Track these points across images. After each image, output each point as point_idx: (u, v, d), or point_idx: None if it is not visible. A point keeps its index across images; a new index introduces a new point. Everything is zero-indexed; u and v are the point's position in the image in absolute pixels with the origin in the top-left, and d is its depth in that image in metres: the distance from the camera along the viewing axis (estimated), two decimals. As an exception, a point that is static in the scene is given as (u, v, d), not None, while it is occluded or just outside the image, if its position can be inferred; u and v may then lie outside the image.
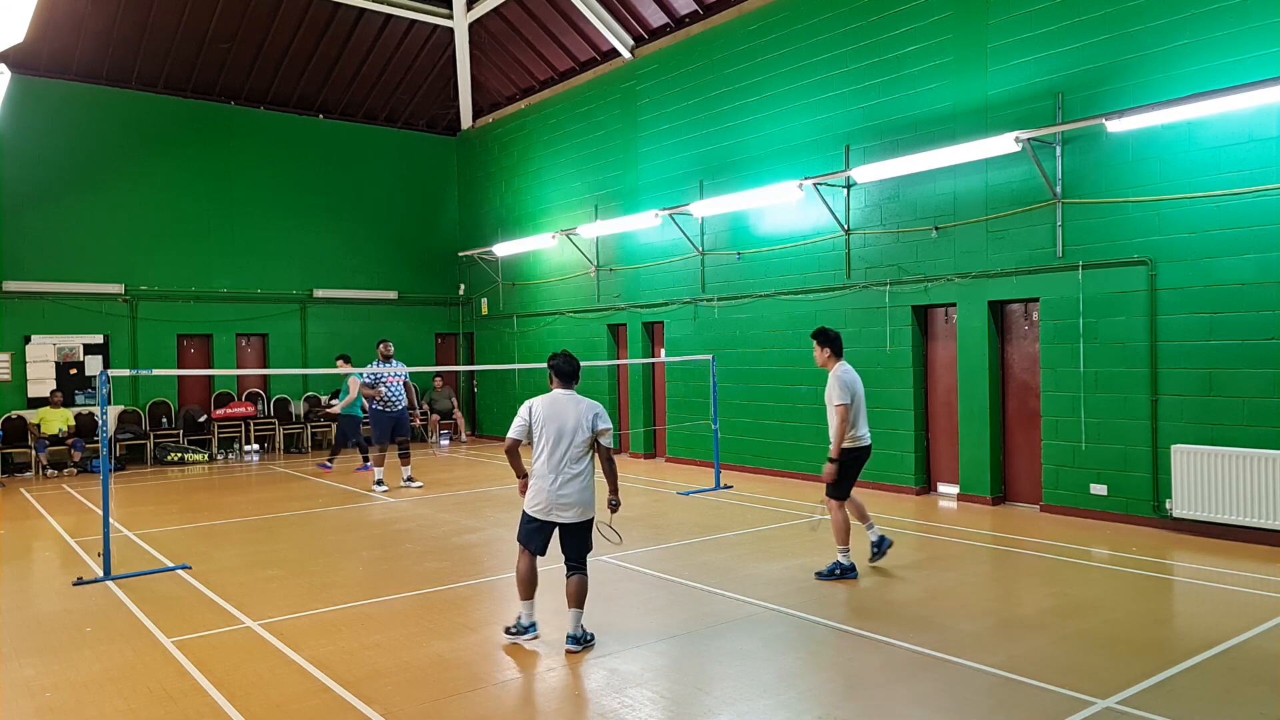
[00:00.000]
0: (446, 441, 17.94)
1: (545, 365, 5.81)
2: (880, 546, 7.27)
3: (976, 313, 9.96)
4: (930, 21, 10.24)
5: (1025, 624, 5.79)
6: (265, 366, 17.13)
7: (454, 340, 19.87)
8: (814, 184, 10.99)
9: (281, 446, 16.67)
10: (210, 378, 16.68)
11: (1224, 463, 7.90)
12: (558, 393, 5.58)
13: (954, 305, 10.28)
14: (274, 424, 16.70)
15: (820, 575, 6.97)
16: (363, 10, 16.46)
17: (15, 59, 14.26)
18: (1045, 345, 9.33)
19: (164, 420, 15.96)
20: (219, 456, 16.05)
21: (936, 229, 10.22)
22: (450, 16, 17.37)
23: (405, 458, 12.12)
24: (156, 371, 8.86)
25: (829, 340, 7.15)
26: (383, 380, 11.82)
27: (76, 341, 15.34)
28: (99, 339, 15.51)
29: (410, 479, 12.02)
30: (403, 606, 6.48)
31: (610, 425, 5.55)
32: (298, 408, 17.32)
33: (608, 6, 14.60)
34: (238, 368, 16.89)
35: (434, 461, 15.02)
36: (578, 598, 5.44)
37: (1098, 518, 8.86)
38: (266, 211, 17.28)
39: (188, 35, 15.58)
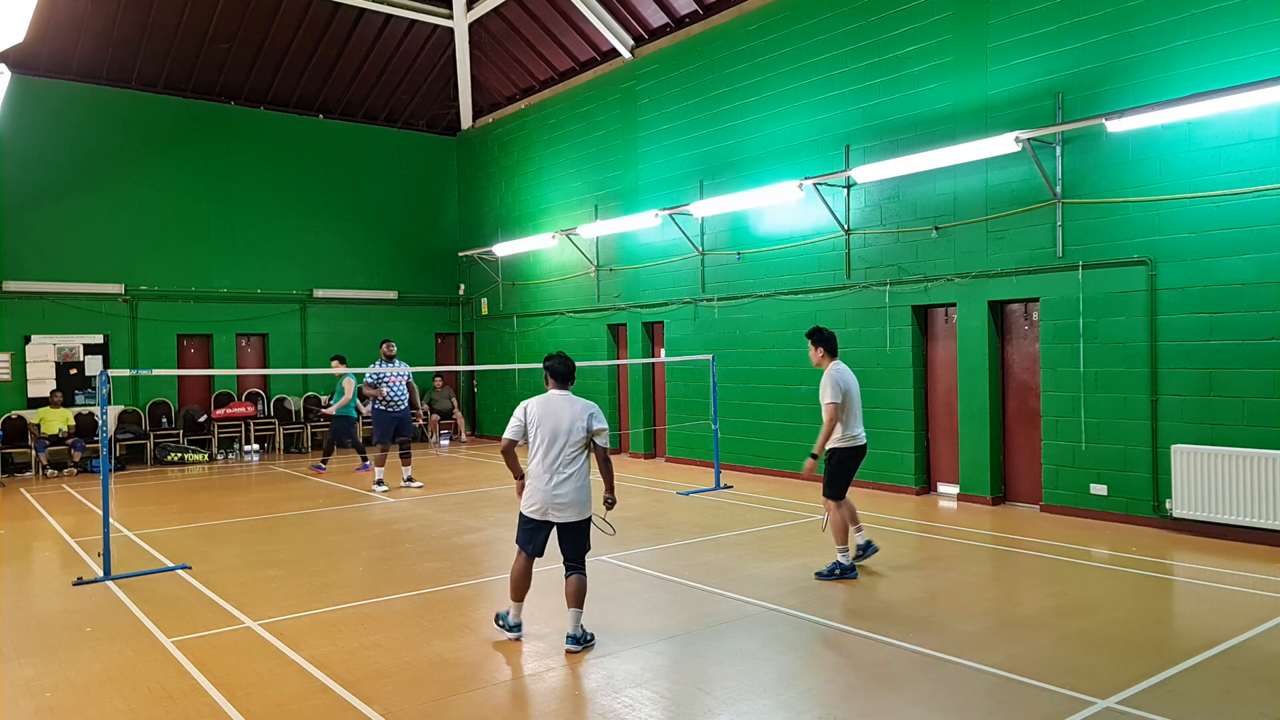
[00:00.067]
0: (446, 441, 17.94)
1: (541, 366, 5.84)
2: (865, 551, 7.29)
3: (976, 313, 9.96)
4: (930, 21, 10.24)
5: (1025, 624, 5.78)
6: (265, 366, 17.13)
7: (454, 340, 19.87)
8: (814, 184, 11.00)
9: (281, 446, 16.67)
10: (210, 378, 16.68)
11: (1224, 463, 7.90)
12: (553, 393, 5.60)
13: (954, 305, 10.28)
14: (274, 424, 16.71)
15: (820, 575, 6.97)
16: (363, 10, 16.46)
17: (15, 59, 14.26)
18: (1045, 345, 9.33)
19: (164, 420, 15.96)
20: (219, 456, 16.05)
21: (936, 229, 10.22)
22: (450, 16, 17.37)
23: (406, 458, 12.12)
24: (156, 371, 8.86)
25: (823, 340, 7.18)
26: (385, 380, 11.82)
27: (76, 341, 15.34)
28: (99, 339, 15.51)
29: (410, 479, 12.02)
30: (403, 606, 6.48)
31: (606, 425, 5.56)
32: (296, 405, 17.30)
33: (608, 6, 14.61)
34: (238, 368, 16.89)
35: (434, 461, 15.02)
36: (577, 598, 5.44)
37: (1098, 518, 8.86)
38: (266, 211, 17.29)
39: (188, 35, 15.58)
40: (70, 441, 14.45)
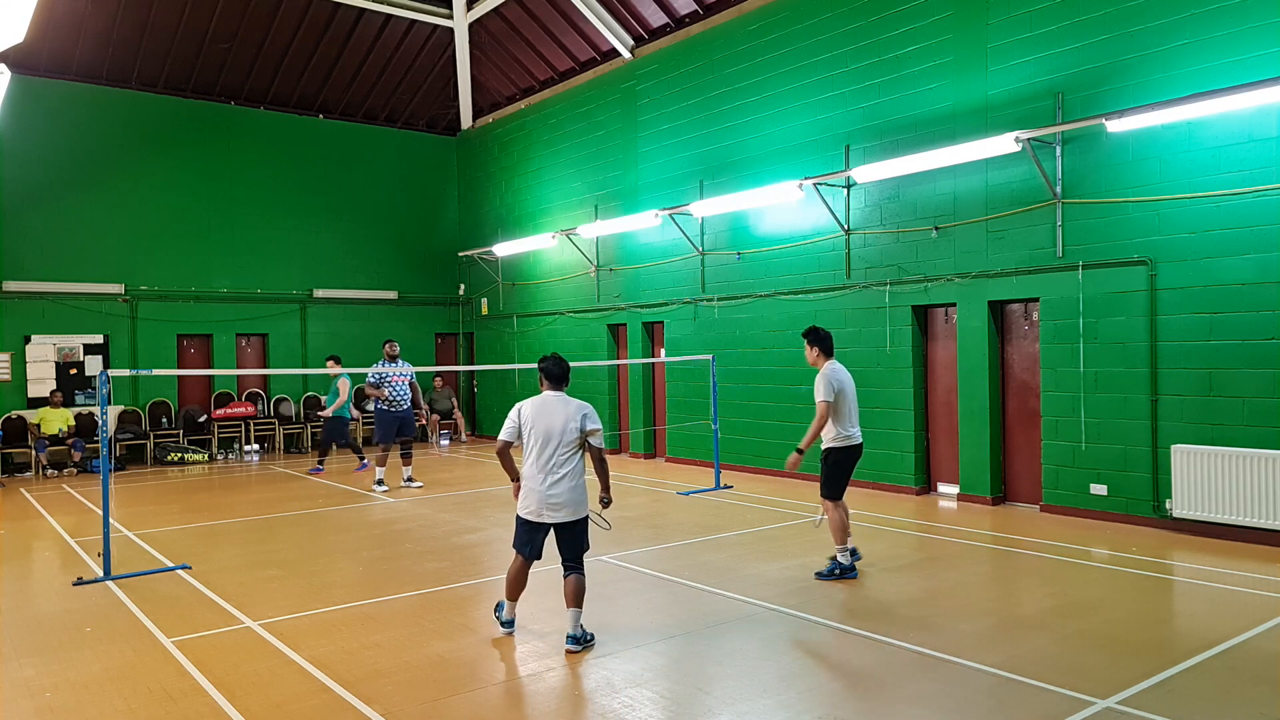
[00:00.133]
0: (446, 441, 17.94)
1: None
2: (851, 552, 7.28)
3: (976, 313, 9.96)
4: (930, 21, 10.24)
5: (1025, 624, 5.78)
6: (265, 366, 17.13)
7: (454, 340, 19.87)
8: (814, 184, 11.00)
9: (281, 446, 16.67)
10: (210, 378, 16.68)
11: (1224, 463, 7.90)
12: (547, 394, 5.62)
13: (954, 305, 10.28)
14: (274, 424, 16.71)
15: (820, 575, 6.97)
16: (363, 10, 16.46)
17: (15, 59, 14.27)
18: (1045, 345, 9.33)
19: (164, 420, 15.96)
20: (219, 456, 16.05)
21: (936, 229, 10.22)
22: (450, 16, 17.37)
23: (407, 458, 12.13)
24: (156, 371, 8.85)
25: (819, 339, 7.20)
26: (388, 380, 11.82)
27: (76, 341, 15.34)
28: (99, 339, 15.51)
29: (410, 479, 12.03)
30: (403, 606, 6.48)
31: (600, 425, 5.57)
32: (292, 407, 17.30)
33: (608, 6, 14.61)
34: (238, 368, 16.90)
35: (434, 461, 15.02)
36: (575, 598, 5.45)
37: (1098, 518, 8.86)
38: (266, 211, 17.29)
39: (188, 35, 15.58)
40: (70, 441, 14.45)
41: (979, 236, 9.85)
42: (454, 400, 18.47)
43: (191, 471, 14.49)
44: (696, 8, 13.48)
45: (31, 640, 5.88)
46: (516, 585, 5.70)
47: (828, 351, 7.18)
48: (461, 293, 19.53)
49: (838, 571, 6.95)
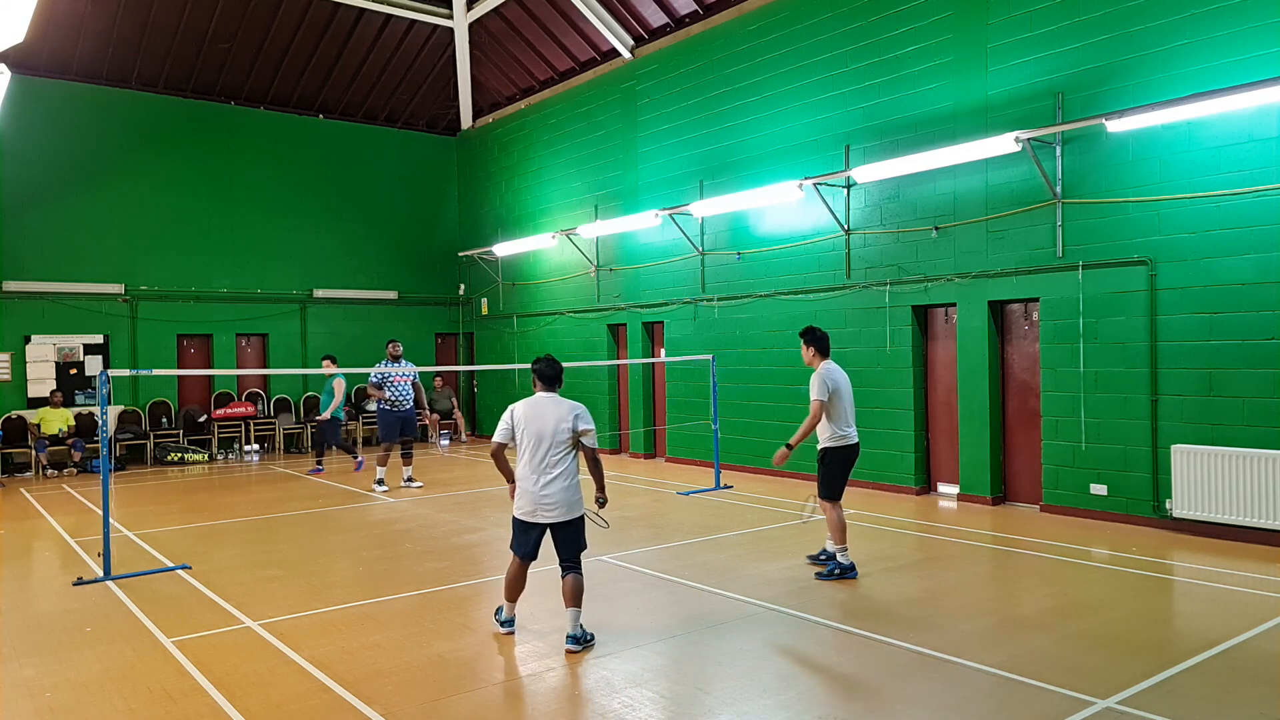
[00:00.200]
0: (446, 441, 17.95)
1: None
2: (818, 559, 7.29)
3: (976, 313, 9.96)
4: (930, 21, 10.24)
5: (1025, 624, 5.78)
6: (265, 366, 17.13)
7: (454, 340, 19.87)
8: (814, 184, 11.00)
9: (281, 446, 16.67)
10: (210, 378, 16.69)
11: (1224, 463, 7.90)
12: (539, 396, 5.63)
13: (954, 305, 10.28)
14: (274, 424, 16.71)
15: (820, 575, 6.97)
16: (363, 10, 16.46)
17: (15, 59, 14.26)
18: (1045, 345, 9.33)
19: (164, 420, 15.96)
20: (219, 456, 16.06)
21: (936, 229, 10.22)
22: (450, 16, 17.37)
23: (408, 458, 12.13)
24: (156, 371, 8.85)
25: (815, 339, 7.23)
26: (390, 380, 11.82)
27: (76, 341, 15.34)
28: (99, 339, 15.51)
29: (410, 479, 12.03)
30: (403, 606, 6.48)
31: (593, 425, 5.58)
32: (292, 407, 17.30)
33: (608, 6, 14.61)
34: (238, 368, 16.90)
35: (434, 461, 15.03)
36: (574, 597, 5.45)
37: (1098, 518, 8.86)
38: (266, 211, 17.29)
39: (188, 35, 15.58)
40: (70, 441, 14.45)
41: (979, 236, 9.85)
42: (454, 400, 18.47)
43: (191, 471, 14.49)
44: (696, 8, 13.48)
45: (31, 640, 5.88)
46: (515, 587, 5.72)
47: (824, 351, 7.20)
48: (461, 293, 19.53)
49: (837, 572, 6.95)
